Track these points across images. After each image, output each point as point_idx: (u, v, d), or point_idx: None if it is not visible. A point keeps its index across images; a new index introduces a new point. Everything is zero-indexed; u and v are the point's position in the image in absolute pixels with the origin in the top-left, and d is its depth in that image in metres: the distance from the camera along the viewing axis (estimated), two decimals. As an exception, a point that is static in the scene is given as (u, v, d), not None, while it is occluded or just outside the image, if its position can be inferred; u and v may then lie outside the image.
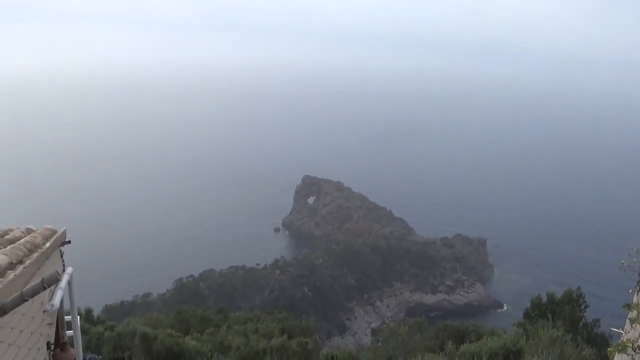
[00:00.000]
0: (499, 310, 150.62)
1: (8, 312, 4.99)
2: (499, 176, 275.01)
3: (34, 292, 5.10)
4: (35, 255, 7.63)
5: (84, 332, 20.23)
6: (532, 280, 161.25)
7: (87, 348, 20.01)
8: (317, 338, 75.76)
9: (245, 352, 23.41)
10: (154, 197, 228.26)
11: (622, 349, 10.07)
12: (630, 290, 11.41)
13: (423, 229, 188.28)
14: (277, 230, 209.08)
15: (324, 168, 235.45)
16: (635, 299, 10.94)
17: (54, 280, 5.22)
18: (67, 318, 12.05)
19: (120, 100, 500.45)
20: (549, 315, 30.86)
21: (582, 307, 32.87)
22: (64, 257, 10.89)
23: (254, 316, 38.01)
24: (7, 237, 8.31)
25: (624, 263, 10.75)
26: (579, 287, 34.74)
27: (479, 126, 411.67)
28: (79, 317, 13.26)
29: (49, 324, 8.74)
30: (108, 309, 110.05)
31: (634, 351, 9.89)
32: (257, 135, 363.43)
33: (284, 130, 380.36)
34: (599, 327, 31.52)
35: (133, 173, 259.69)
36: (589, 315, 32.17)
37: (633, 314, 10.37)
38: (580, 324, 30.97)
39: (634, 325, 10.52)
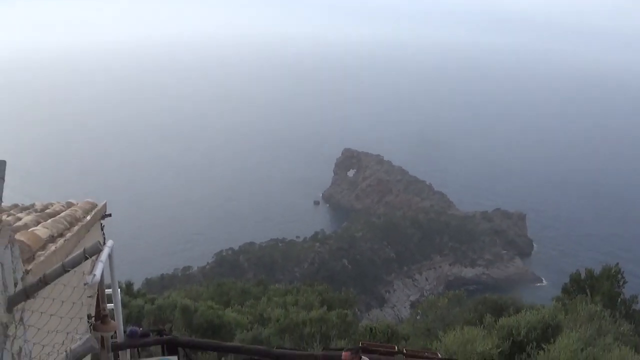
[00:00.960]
0: (538, 285, 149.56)
1: (50, 283, 5.10)
2: (541, 151, 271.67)
3: (75, 263, 5.19)
4: (75, 228, 7.77)
5: (124, 305, 20.53)
6: (570, 255, 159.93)
7: (127, 321, 20.31)
8: (357, 310, 76.07)
9: (284, 323, 23.53)
10: (194, 171, 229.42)
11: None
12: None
13: (462, 202, 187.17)
14: (317, 203, 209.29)
15: (364, 141, 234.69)
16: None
17: (96, 250, 5.30)
18: (108, 291, 12.26)
19: (156, 72, 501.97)
20: (588, 291, 30.69)
21: (621, 283, 32.60)
22: (104, 230, 11.07)
23: (293, 288, 38.34)
24: (47, 210, 8.47)
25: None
26: (617, 264, 34.43)
27: (524, 102, 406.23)
28: (119, 290, 13.49)
29: (89, 296, 8.91)
30: (148, 282, 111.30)
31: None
32: (299, 107, 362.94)
33: (325, 103, 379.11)
34: (637, 303, 31.27)
35: (173, 146, 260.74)
36: (627, 292, 31.91)
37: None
38: (619, 300, 30.75)
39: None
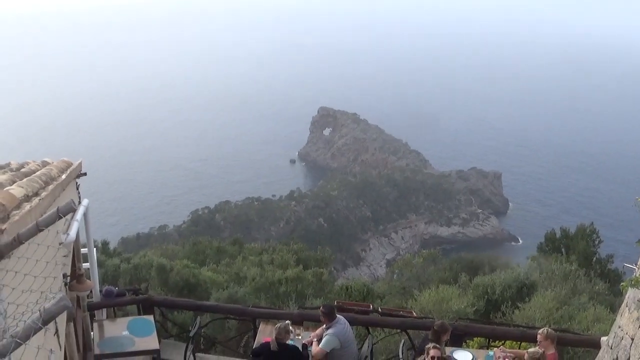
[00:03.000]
0: (513, 244, 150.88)
1: (24, 242, 5.04)
2: (518, 110, 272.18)
3: (49, 222, 5.13)
4: (50, 187, 7.68)
5: (100, 264, 20.47)
6: (546, 215, 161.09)
7: (103, 280, 20.26)
8: (333, 269, 76.43)
9: (260, 282, 23.66)
10: (169, 129, 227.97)
11: (636, 283, 10.12)
12: (644, 226, 11.41)
13: (439, 161, 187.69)
14: (292, 161, 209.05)
15: (341, 100, 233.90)
16: (649, 235, 10.90)
17: (70, 209, 5.23)
18: (84, 251, 12.19)
19: (151, 32, 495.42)
20: (563, 250, 31.01)
21: (596, 242, 32.97)
22: (79, 189, 10.98)
23: (269, 247, 38.21)
24: (23, 170, 8.37)
25: (638, 199, 10.74)
26: (592, 223, 34.79)
27: (502, 63, 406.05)
28: (95, 249, 13.43)
29: (65, 256, 8.85)
30: (124, 241, 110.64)
31: (646, 286, 9.91)
32: (275, 66, 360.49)
33: (301, 60, 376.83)
34: (612, 262, 31.63)
35: (153, 107, 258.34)
36: (602, 251, 32.23)
37: (647, 249, 10.37)
38: (594, 259, 31.11)
39: (647, 261, 10.54)
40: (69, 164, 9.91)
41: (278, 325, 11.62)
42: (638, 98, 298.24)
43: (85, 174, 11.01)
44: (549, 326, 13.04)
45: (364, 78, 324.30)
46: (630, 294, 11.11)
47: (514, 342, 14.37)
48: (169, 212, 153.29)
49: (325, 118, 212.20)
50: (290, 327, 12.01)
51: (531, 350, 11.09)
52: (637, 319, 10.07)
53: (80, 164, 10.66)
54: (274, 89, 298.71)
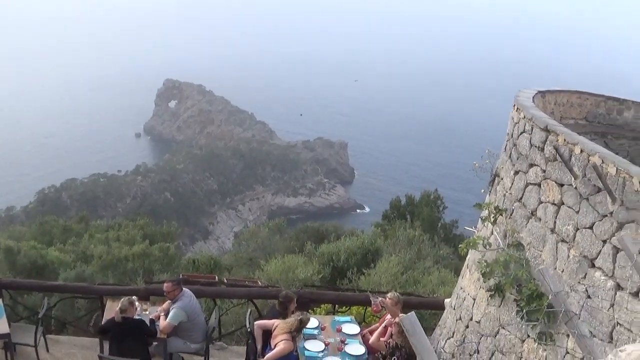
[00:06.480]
0: (359, 212, 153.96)
1: None
2: (362, 79, 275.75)
3: None
4: None
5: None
6: (392, 182, 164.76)
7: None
8: (180, 243, 75.85)
9: (107, 260, 23.82)
10: (15, 108, 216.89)
11: (473, 245, 10.35)
12: (483, 190, 11.71)
13: (284, 132, 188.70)
14: (138, 135, 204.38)
15: (186, 71, 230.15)
16: (487, 199, 11.22)
17: None
18: None
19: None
20: (408, 216, 31.88)
21: (440, 209, 34.20)
22: None
23: (115, 224, 37.94)
24: None
25: (475, 164, 10.97)
26: (436, 189, 36.00)
27: (348, 32, 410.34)
28: None
29: None
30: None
31: (485, 247, 10.15)
32: (120, 38, 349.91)
33: (142, 32, 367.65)
34: (457, 227, 32.85)
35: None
36: (447, 217, 33.34)
37: (484, 212, 10.63)
38: (439, 225, 32.24)
39: (485, 224, 10.81)
40: None
41: (122, 299, 11.58)
42: (481, 66, 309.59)
43: None
44: (395, 290, 13.23)
45: (208, 48, 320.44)
46: (471, 255, 11.39)
47: (360, 307, 14.55)
48: (16, 193, 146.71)
49: (171, 90, 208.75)
50: (137, 303, 12.04)
51: (401, 315, 11.22)
52: (478, 279, 10.31)
53: None
54: (119, 62, 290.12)
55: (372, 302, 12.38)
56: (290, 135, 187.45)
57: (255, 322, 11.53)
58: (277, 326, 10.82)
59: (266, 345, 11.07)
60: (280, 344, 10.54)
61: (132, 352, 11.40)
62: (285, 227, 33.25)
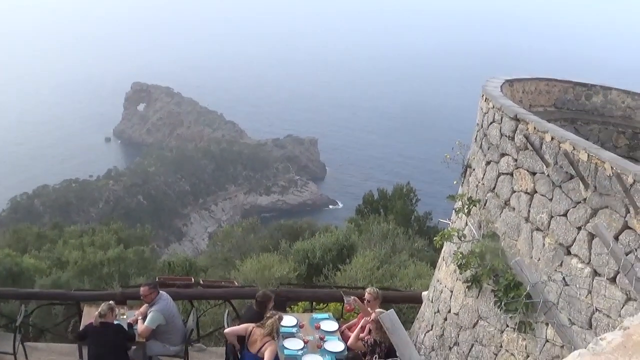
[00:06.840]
0: (333, 208, 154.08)
1: None
2: (328, 75, 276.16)
3: None
4: None
5: None
6: (364, 177, 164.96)
7: None
8: (156, 246, 75.44)
9: (82, 265, 23.88)
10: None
11: (448, 237, 10.33)
12: (455, 182, 11.70)
13: (254, 131, 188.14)
14: (108, 140, 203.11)
15: (154, 74, 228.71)
16: (460, 190, 11.21)
17: None
18: None
19: None
20: (381, 211, 31.92)
21: (414, 201, 34.25)
22: None
23: (89, 229, 38.11)
24: None
25: (447, 156, 10.96)
26: (408, 183, 36.04)
27: (314, 32, 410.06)
28: None
29: None
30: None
31: (460, 239, 10.14)
32: (84, 43, 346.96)
33: (108, 37, 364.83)
34: (431, 219, 32.91)
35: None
36: (420, 209, 33.38)
37: (458, 204, 10.62)
38: (412, 218, 32.28)
39: (459, 215, 10.80)
40: None
41: (102, 304, 11.52)
42: (448, 57, 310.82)
43: None
44: (371, 285, 13.20)
45: (175, 50, 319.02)
46: (446, 247, 11.38)
47: (338, 304, 14.51)
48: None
49: (139, 93, 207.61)
50: (115, 308, 11.92)
51: (378, 310, 11.12)
52: (454, 271, 10.30)
53: None
54: (86, 67, 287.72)
55: (345, 301, 12.35)
56: (260, 133, 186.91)
57: (226, 331, 11.39)
58: (252, 332, 10.67)
59: (242, 348, 10.96)
60: (266, 345, 10.40)
61: (111, 357, 11.39)
62: (259, 225, 33.23)
